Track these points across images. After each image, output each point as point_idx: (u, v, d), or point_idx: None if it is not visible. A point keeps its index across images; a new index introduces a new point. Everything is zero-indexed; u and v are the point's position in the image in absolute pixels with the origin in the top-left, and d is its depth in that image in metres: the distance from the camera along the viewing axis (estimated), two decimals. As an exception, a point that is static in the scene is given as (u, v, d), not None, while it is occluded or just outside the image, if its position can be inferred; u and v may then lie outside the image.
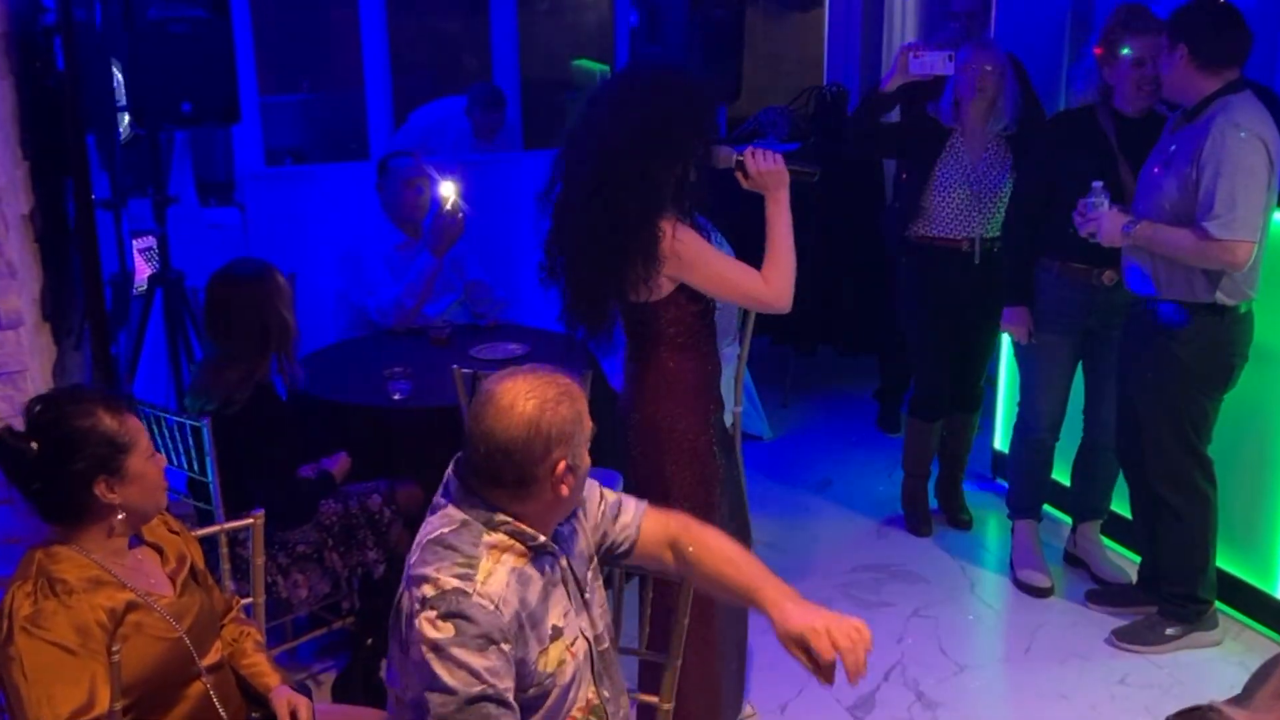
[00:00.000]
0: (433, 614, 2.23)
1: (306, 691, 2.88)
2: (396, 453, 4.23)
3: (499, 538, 2.34)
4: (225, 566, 3.11)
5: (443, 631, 2.22)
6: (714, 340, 3.34)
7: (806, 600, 2.53)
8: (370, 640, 3.97)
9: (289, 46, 8.42)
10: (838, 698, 4.09)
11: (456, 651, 2.21)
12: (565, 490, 2.35)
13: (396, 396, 4.28)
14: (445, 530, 2.34)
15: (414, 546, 2.37)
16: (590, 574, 2.57)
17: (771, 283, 3.27)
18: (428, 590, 2.26)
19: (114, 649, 2.47)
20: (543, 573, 2.39)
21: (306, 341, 5.20)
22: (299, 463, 3.91)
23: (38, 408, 2.59)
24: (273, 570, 3.74)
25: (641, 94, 3.12)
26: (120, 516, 2.60)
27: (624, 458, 3.40)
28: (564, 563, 2.45)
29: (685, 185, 3.15)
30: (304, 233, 5.61)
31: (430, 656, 2.22)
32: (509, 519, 2.34)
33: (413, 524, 3.97)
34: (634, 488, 3.28)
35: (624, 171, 3.07)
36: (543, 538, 2.38)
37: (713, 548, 2.65)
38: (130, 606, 2.56)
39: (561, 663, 2.40)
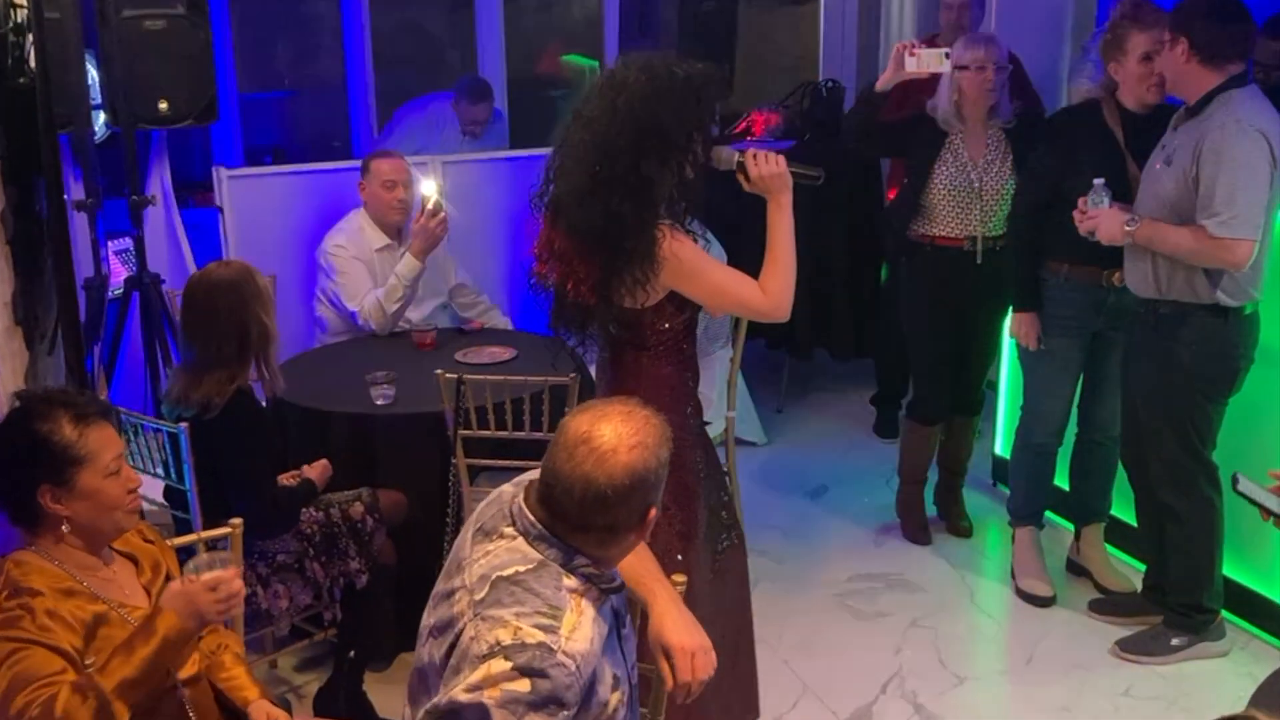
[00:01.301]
0: (508, 665, 2.16)
1: (286, 706, 2.88)
2: (380, 460, 4.23)
3: (575, 581, 2.28)
4: (203, 577, 3.10)
5: (518, 685, 2.15)
6: (694, 346, 3.31)
7: (688, 611, 2.56)
8: (353, 653, 3.96)
9: (269, 42, 8.43)
10: (834, 709, 4.09)
11: (526, 712, 2.15)
12: (648, 535, 2.33)
13: (380, 402, 4.28)
14: (522, 570, 2.26)
15: (479, 580, 2.28)
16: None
17: (769, 292, 3.20)
18: (503, 636, 2.19)
19: (88, 663, 2.47)
20: (608, 617, 2.35)
21: (287, 346, 5.21)
22: (279, 470, 3.91)
23: (16, 402, 2.60)
24: (252, 580, 3.74)
25: (635, 88, 3.02)
26: (66, 529, 2.59)
27: None
28: (619, 607, 2.43)
29: (683, 186, 3.08)
30: (285, 234, 5.60)
31: (495, 711, 2.15)
32: (587, 562, 2.30)
33: (396, 533, 4.02)
34: None
35: (619, 171, 2.99)
36: (618, 580, 2.35)
37: None
38: (100, 619, 2.55)
39: (615, 709, 2.37)
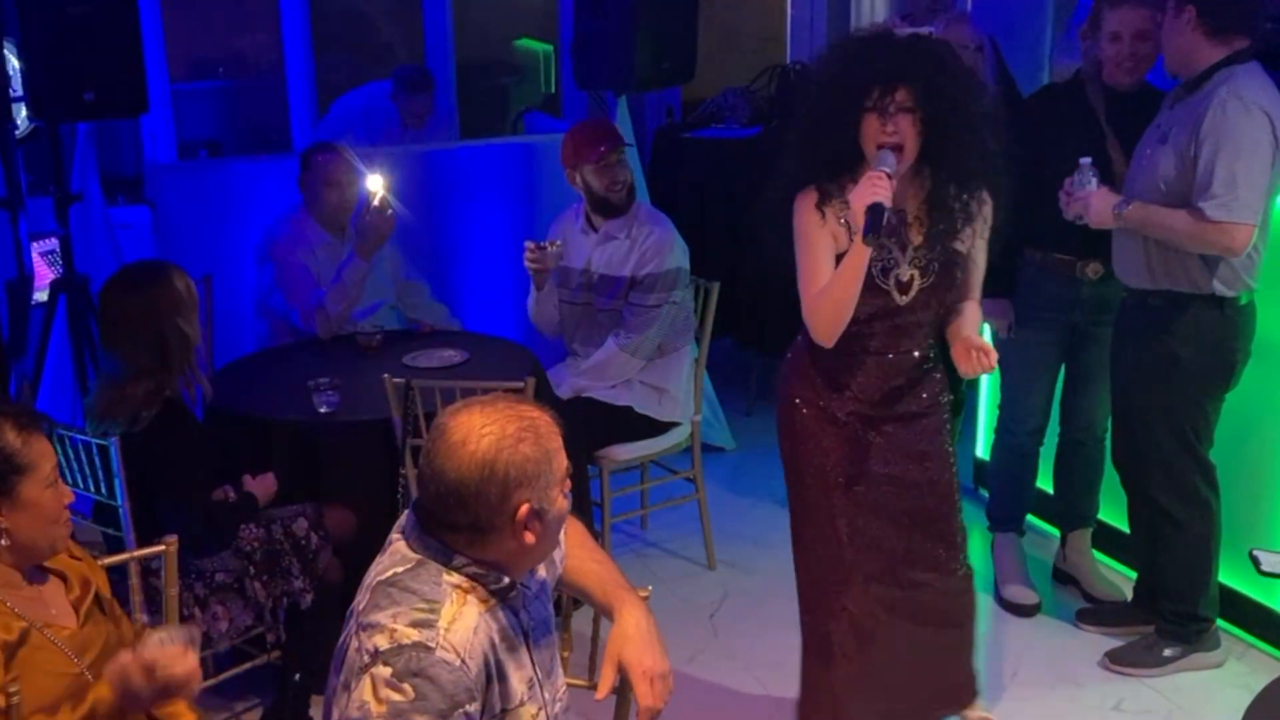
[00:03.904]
0: (387, 671, 2.15)
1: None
2: (324, 471, 4.21)
3: (459, 579, 2.28)
4: (136, 598, 3.09)
5: (400, 694, 2.13)
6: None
7: (655, 628, 2.57)
8: (298, 676, 3.94)
9: (202, 29, 8.37)
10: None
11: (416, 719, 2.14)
12: (530, 538, 2.27)
13: (323, 409, 4.26)
14: (400, 571, 2.27)
15: (361, 589, 2.31)
16: (556, 636, 2.55)
17: (810, 308, 3.44)
18: (381, 641, 2.18)
19: (11, 690, 2.44)
20: (508, 624, 2.33)
21: (224, 350, 5.18)
22: (216, 484, 3.88)
23: None
24: (190, 601, 3.71)
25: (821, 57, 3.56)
26: (4, 543, 2.57)
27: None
28: (525, 621, 2.40)
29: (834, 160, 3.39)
30: (221, 232, 5.58)
31: None
32: (469, 561, 2.28)
33: (342, 550, 3.99)
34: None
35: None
36: (506, 579, 2.32)
37: (583, 542, 2.68)
38: (24, 638, 2.53)
39: None
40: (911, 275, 3.44)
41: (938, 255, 3.44)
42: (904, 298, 3.46)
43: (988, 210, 3.47)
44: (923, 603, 3.68)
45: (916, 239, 3.44)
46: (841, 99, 3.35)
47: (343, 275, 4.92)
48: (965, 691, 3.87)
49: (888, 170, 3.22)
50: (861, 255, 3.29)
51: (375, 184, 4.93)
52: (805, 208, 3.44)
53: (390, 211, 4.91)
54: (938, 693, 3.83)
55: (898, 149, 3.29)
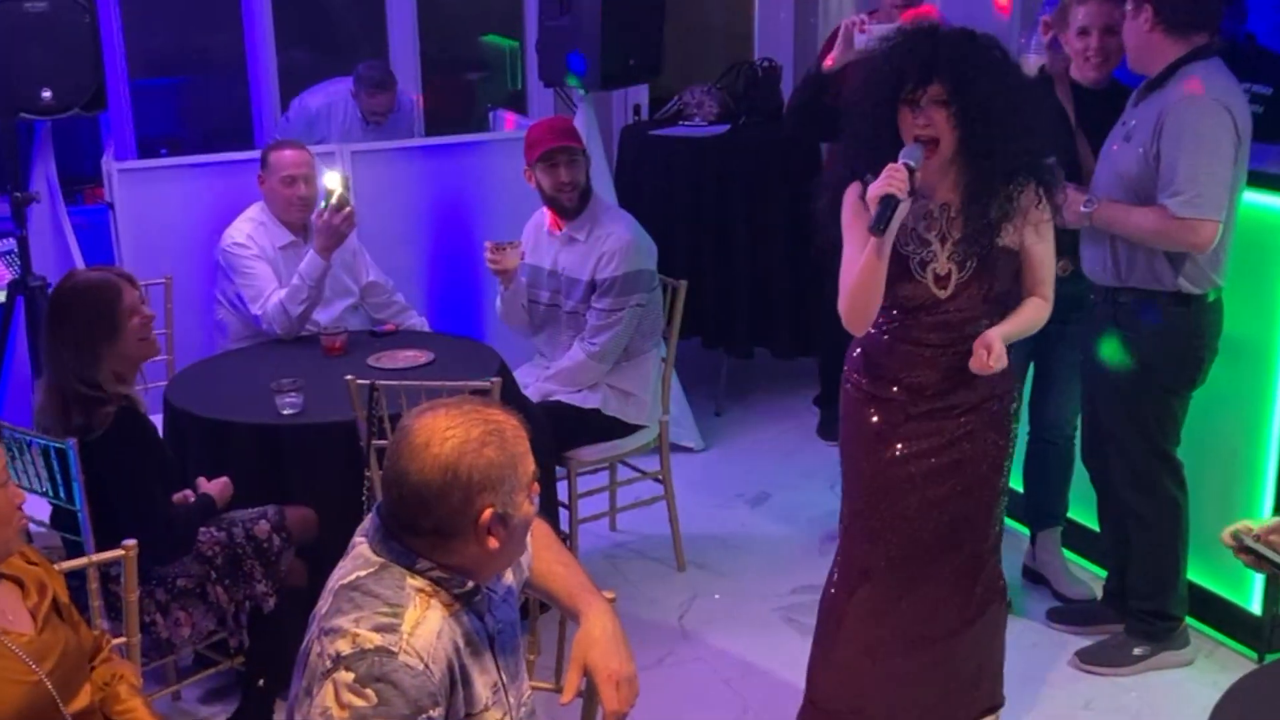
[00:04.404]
0: (350, 677, 2.15)
1: (189, 740, 2.86)
2: (286, 474, 4.20)
3: (422, 583, 2.28)
4: (96, 604, 3.08)
5: (363, 699, 2.14)
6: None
7: (621, 631, 2.58)
8: (262, 681, 3.94)
9: (163, 25, 8.33)
10: (778, 732, 4.12)
11: None
12: (494, 543, 2.27)
13: (286, 412, 4.25)
14: (362, 574, 2.27)
15: (324, 592, 2.31)
16: (522, 642, 2.56)
17: (840, 295, 3.51)
18: (343, 646, 2.18)
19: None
20: (473, 628, 2.34)
21: (185, 352, 5.17)
22: (175, 487, 3.87)
23: None
24: (151, 607, 3.71)
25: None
26: None
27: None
28: (490, 625, 2.40)
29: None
30: (181, 232, 5.55)
31: None
32: (432, 565, 2.29)
33: (305, 552, 3.99)
34: None
35: None
36: (471, 584, 2.32)
37: (549, 544, 2.69)
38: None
39: None
40: (949, 269, 3.46)
41: (976, 250, 3.45)
42: (943, 291, 3.48)
43: (1036, 198, 3.47)
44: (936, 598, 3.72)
45: (956, 233, 3.46)
46: (879, 92, 3.42)
47: (302, 274, 4.91)
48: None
49: (911, 163, 3.29)
50: (875, 246, 3.33)
51: (333, 181, 4.91)
52: (850, 200, 3.51)
53: (349, 210, 4.90)
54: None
55: (931, 142, 3.35)
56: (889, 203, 3.24)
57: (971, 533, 3.70)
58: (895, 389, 3.60)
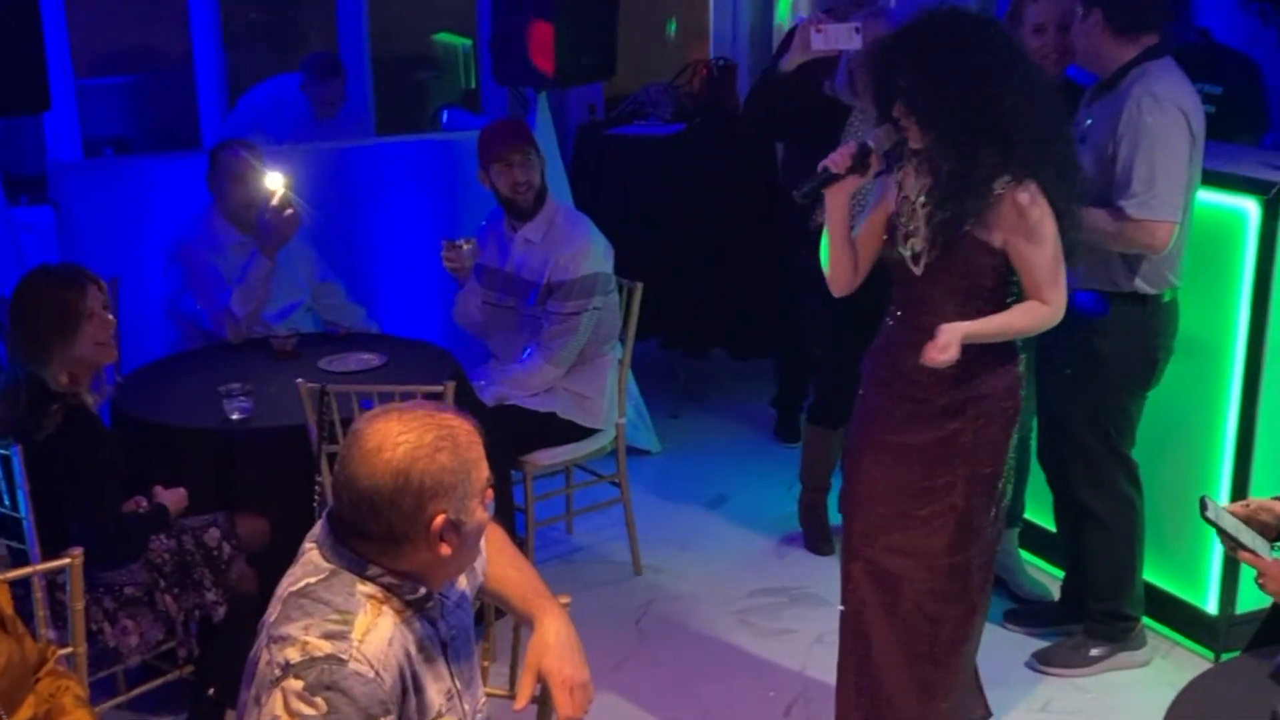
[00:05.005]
0: (299, 685, 2.14)
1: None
2: (237, 480, 4.19)
3: (373, 589, 2.27)
4: (41, 613, 3.07)
5: (313, 708, 2.13)
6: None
7: (575, 636, 2.58)
8: (212, 690, 3.93)
9: (108, 22, 8.28)
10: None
11: None
12: (446, 550, 2.27)
13: (235, 416, 4.24)
14: (311, 581, 2.27)
15: (273, 600, 2.30)
16: (477, 648, 2.56)
17: None
18: (292, 654, 2.17)
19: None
20: (425, 635, 2.34)
21: (133, 355, 5.14)
22: (124, 494, 3.85)
23: None
24: (98, 616, 3.69)
25: None
26: None
27: None
28: (443, 631, 2.40)
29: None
30: (128, 233, 5.52)
31: None
32: (383, 572, 2.28)
33: (256, 559, 3.98)
34: None
35: None
36: (423, 590, 2.32)
37: (504, 549, 2.69)
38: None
39: None
40: (924, 248, 3.52)
41: (942, 233, 3.48)
42: (916, 268, 3.54)
43: (1025, 198, 3.41)
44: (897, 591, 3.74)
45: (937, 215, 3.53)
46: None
47: (246, 275, 4.89)
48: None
49: (870, 143, 3.51)
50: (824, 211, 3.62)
51: (275, 182, 4.89)
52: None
53: (290, 211, 4.87)
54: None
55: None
56: (821, 175, 3.51)
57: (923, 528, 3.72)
58: (889, 372, 3.69)
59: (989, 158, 3.40)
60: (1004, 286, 3.54)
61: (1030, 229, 3.44)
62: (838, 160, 3.50)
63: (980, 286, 3.52)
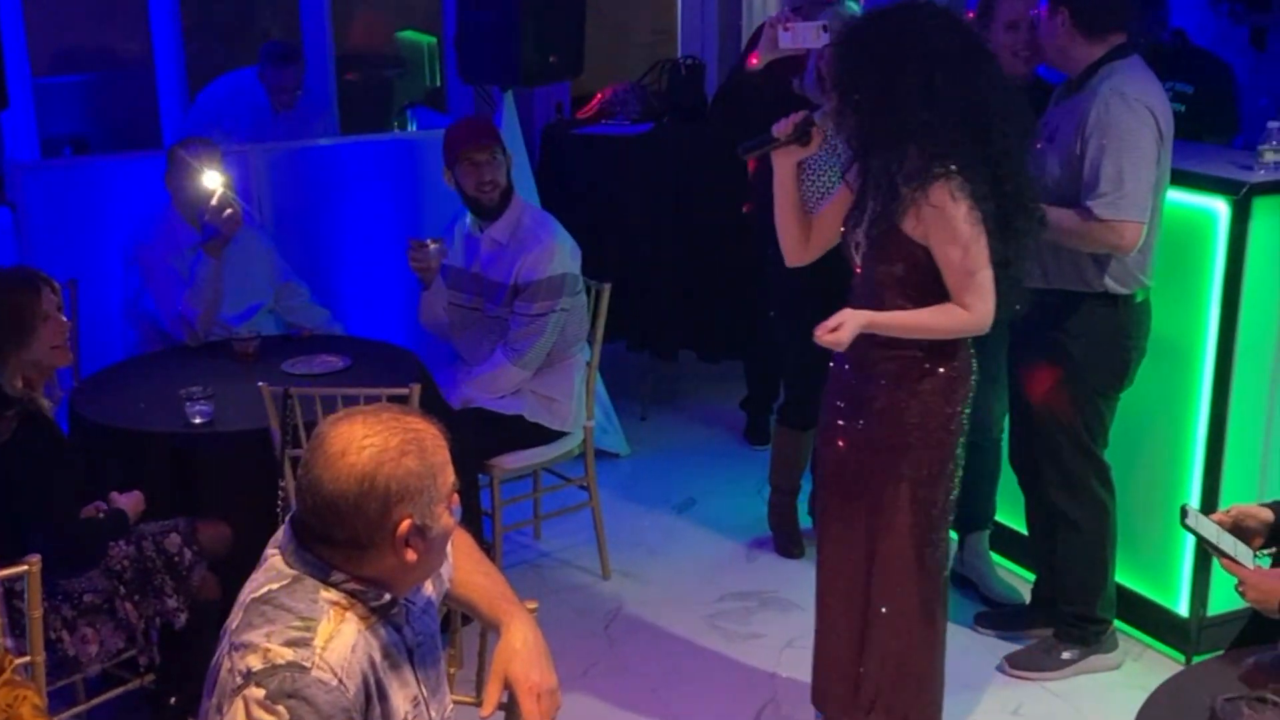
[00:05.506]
0: (260, 693, 2.13)
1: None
2: (199, 485, 4.17)
3: (337, 595, 2.26)
4: (-2, 622, 3.04)
5: (275, 716, 2.12)
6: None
7: (543, 642, 2.58)
8: (174, 699, 3.92)
9: (67, 19, 8.23)
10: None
11: None
12: (412, 555, 2.26)
13: (197, 420, 4.22)
14: (274, 587, 2.25)
15: (235, 606, 2.29)
16: (443, 655, 2.55)
17: None
18: (254, 662, 2.16)
19: None
20: (390, 641, 2.33)
21: (91, 358, 5.11)
22: (82, 500, 3.83)
23: None
24: (56, 624, 3.66)
25: None
26: None
27: None
28: (409, 638, 2.39)
29: None
30: (87, 234, 5.49)
31: None
32: (347, 578, 2.27)
33: (218, 566, 3.96)
34: None
35: None
36: (387, 596, 2.31)
37: (470, 554, 2.69)
38: None
39: None
40: (862, 240, 3.62)
41: (873, 226, 3.56)
42: (857, 256, 3.65)
43: (944, 196, 3.42)
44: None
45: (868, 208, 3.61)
46: None
47: (195, 276, 4.87)
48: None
49: (816, 117, 3.65)
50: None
51: (213, 181, 4.85)
52: None
53: (230, 211, 4.83)
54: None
55: None
56: (763, 138, 3.72)
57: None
58: (836, 362, 3.82)
59: (914, 152, 3.44)
60: (937, 284, 3.54)
61: (946, 227, 3.44)
62: (782, 127, 3.66)
63: (910, 281, 3.55)
